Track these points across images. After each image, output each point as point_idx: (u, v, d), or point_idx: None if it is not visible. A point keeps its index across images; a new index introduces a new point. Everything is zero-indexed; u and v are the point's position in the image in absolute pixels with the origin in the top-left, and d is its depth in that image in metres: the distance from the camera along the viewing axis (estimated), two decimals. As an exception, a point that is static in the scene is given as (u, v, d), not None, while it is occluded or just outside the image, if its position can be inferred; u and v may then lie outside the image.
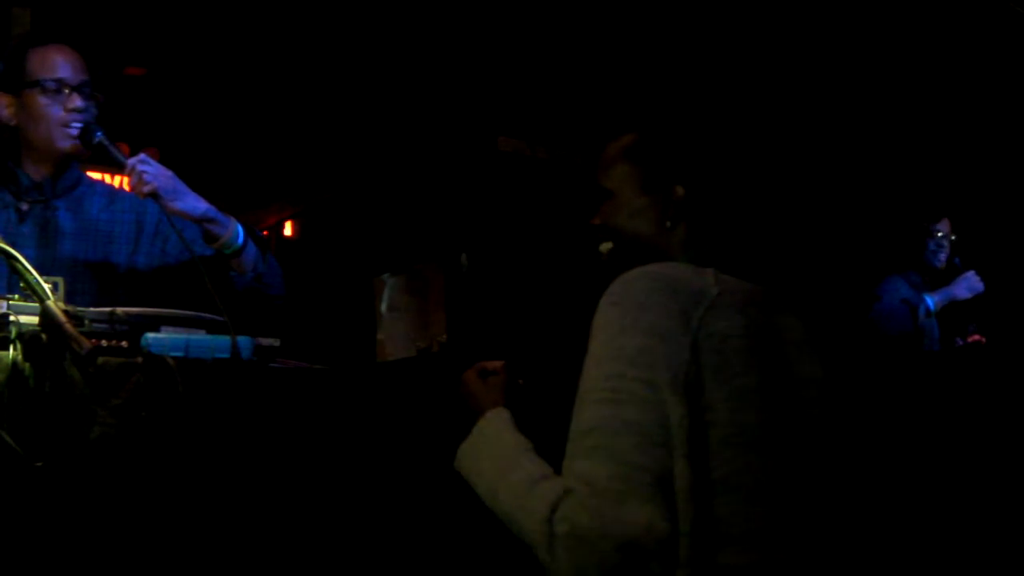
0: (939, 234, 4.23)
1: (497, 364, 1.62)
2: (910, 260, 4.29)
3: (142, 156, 2.42)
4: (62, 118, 2.51)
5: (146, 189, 2.36)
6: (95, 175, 5.84)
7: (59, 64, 2.54)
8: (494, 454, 1.41)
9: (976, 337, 4.17)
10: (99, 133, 2.49)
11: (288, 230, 6.58)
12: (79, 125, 2.50)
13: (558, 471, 1.30)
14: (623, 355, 1.22)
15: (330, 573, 1.83)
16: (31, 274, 1.69)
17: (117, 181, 5.99)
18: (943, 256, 4.26)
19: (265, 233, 6.40)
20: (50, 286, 1.71)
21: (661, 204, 1.45)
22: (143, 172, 2.38)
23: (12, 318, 1.65)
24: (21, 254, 1.73)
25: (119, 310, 1.82)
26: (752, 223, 1.55)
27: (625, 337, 1.23)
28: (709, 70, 4.57)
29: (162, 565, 1.65)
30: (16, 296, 1.71)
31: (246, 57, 5.09)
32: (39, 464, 1.55)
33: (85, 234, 2.60)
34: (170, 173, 2.43)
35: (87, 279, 2.53)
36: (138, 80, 5.43)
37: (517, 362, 1.61)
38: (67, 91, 2.51)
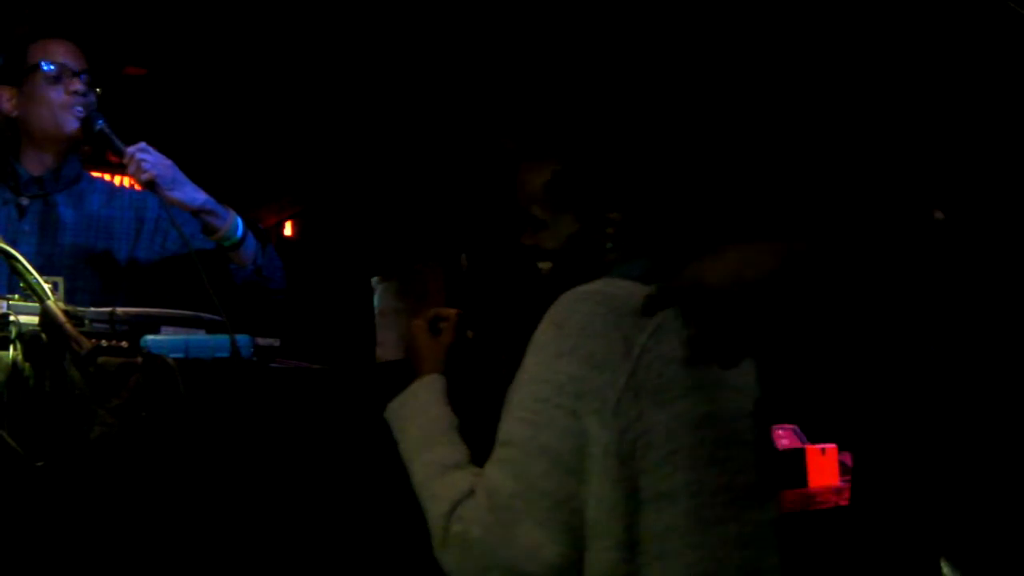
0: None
1: (450, 312, 1.63)
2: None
3: (142, 144, 2.43)
4: (65, 101, 2.53)
5: (144, 177, 2.37)
6: (95, 174, 5.87)
7: (59, 51, 2.57)
8: (420, 423, 1.46)
9: None
10: (100, 121, 2.51)
11: (288, 230, 6.58)
12: (81, 110, 2.53)
13: (481, 443, 1.37)
14: (554, 380, 1.27)
15: (330, 572, 1.83)
16: (31, 274, 1.69)
17: (117, 181, 6.03)
18: None
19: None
20: (50, 286, 1.71)
21: (598, 230, 1.47)
22: (142, 160, 2.39)
23: (12, 318, 1.65)
24: (22, 250, 1.73)
25: (119, 310, 1.82)
26: (718, 221, 1.58)
27: (560, 362, 1.27)
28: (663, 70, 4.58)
29: (162, 565, 1.65)
30: (16, 296, 1.72)
31: (246, 57, 5.09)
32: (39, 464, 1.55)
33: (86, 228, 2.61)
34: (169, 162, 2.44)
35: (88, 273, 2.54)
36: (138, 80, 5.43)
37: (470, 315, 1.62)
38: (68, 76, 2.53)
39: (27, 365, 1.61)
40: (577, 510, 1.25)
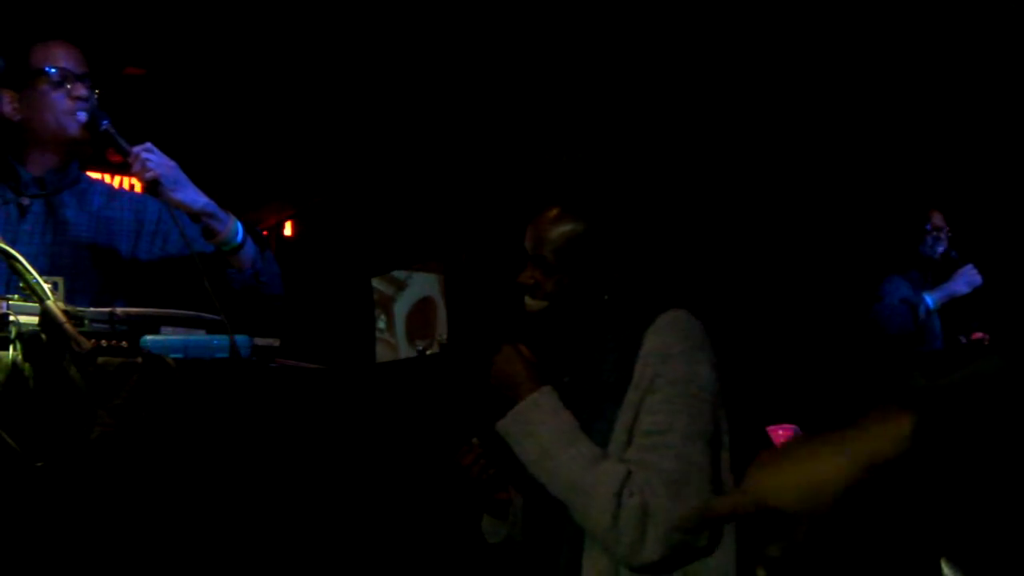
0: (935, 226, 4.23)
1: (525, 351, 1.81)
2: (908, 256, 4.28)
3: (147, 144, 2.44)
4: (69, 106, 2.54)
5: (148, 176, 2.38)
6: (95, 175, 5.87)
7: (62, 55, 2.57)
8: (552, 426, 1.64)
9: (979, 335, 4.15)
10: (105, 121, 2.52)
11: (288, 230, 6.58)
12: (84, 114, 2.53)
13: None
14: (699, 379, 1.60)
15: (330, 571, 1.83)
16: (31, 274, 1.69)
17: (117, 182, 6.03)
18: (940, 248, 4.25)
19: (265, 233, 6.40)
20: (50, 286, 1.71)
21: (602, 280, 1.73)
22: (147, 160, 2.40)
23: (12, 318, 1.65)
24: (23, 250, 1.73)
25: (119, 310, 1.82)
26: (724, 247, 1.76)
27: (699, 366, 1.61)
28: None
29: (162, 564, 1.65)
30: (16, 296, 1.72)
31: (246, 57, 5.09)
32: (39, 464, 1.55)
33: (87, 227, 2.61)
34: (173, 163, 2.44)
35: (90, 272, 2.54)
36: (138, 80, 5.43)
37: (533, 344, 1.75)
38: (71, 81, 2.54)
39: (27, 365, 1.61)
40: (718, 479, 1.60)
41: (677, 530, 1.54)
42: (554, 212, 1.74)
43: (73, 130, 2.56)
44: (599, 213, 1.72)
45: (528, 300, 1.75)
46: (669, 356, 1.62)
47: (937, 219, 4.27)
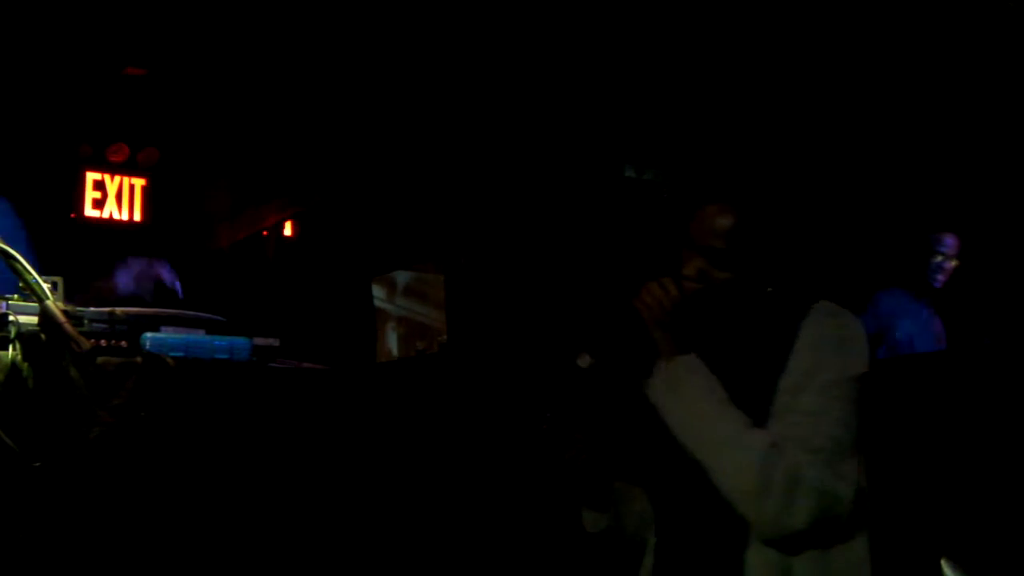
0: (944, 249, 3.99)
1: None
2: (907, 274, 4.07)
3: None
4: None
5: None
6: (95, 175, 5.86)
7: None
8: (705, 388, 1.70)
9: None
10: None
11: (288, 230, 6.57)
12: None
13: None
14: (855, 369, 1.68)
15: (330, 570, 1.83)
16: (31, 274, 1.69)
17: (116, 181, 6.03)
18: (941, 278, 4.03)
19: (265, 233, 6.40)
20: (49, 286, 1.71)
21: (765, 270, 1.80)
22: None
23: (12, 318, 1.65)
24: None
25: (118, 310, 1.82)
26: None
27: (851, 356, 1.69)
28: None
29: (162, 564, 1.65)
30: (16, 296, 1.71)
31: (246, 57, 5.08)
32: (38, 463, 1.55)
33: None
34: None
35: None
36: (138, 80, 5.43)
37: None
38: None
39: (26, 365, 1.61)
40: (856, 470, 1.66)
41: (825, 501, 1.57)
42: (716, 206, 1.79)
43: None
44: (759, 204, 1.80)
45: (581, 360, 1.81)
46: (828, 347, 1.69)
47: (950, 242, 4.01)
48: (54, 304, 1.65)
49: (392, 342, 6.80)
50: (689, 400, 1.70)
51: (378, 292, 6.65)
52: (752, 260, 1.77)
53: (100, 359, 1.64)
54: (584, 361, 1.75)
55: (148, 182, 5.84)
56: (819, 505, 1.57)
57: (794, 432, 1.62)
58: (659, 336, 1.74)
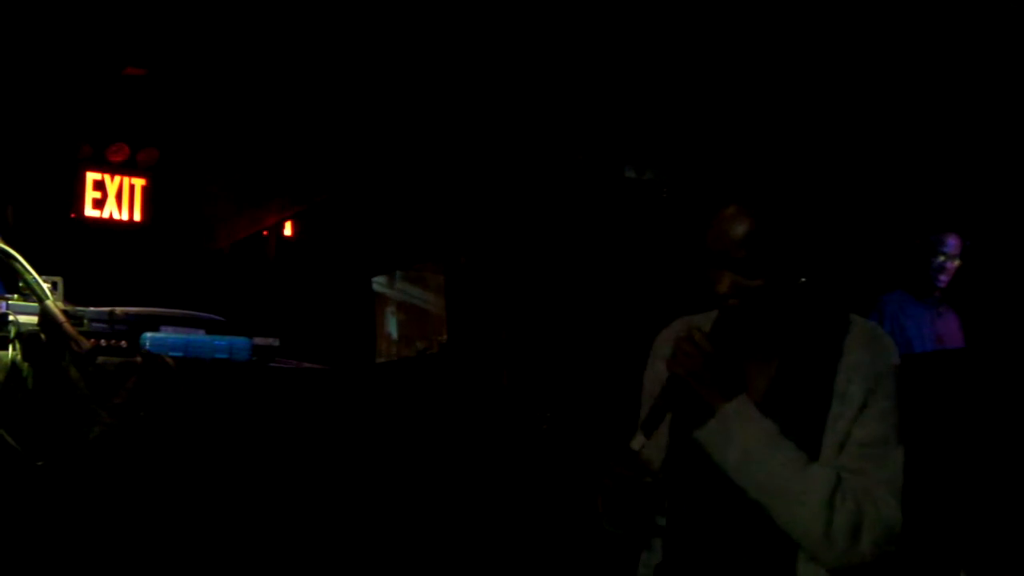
0: (946, 250, 3.96)
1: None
2: (908, 275, 4.06)
3: None
4: None
5: None
6: (95, 175, 5.86)
7: None
8: (757, 432, 1.69)
9: None
10: None
11: (288, 230, 6.58)
12: None
13: None
14: (900, 394, 1.71)
15: (330, 570, 1.83)
16: (30, 274, 1.69)
17: (116, 181, 6.03)
18: (944, 278, 4.01)
19: (265, 233, 6.40)
20: (49, 286, 1.71)
21: (794, 278, 1.77)
22: None
23: (12, 318, 1.65)
24: None
25: (118, 310, 1.82)
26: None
27: (900, 380, 1.72)
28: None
29: (162, 564, 1.65)
30: (16, 296, 1.71)
31: (246, 57, 5.08)
32: (39, 463, 1.55)
33: None
34: None
35: None
36: (138, 80, 5.43)
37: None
38: None
39: (26, 365, 1.61)
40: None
41: (889, 532, 1.61)
42: (731, 211, 1.73)
43: None
44: (774, 204, 1.75)
45: (730, 299, 1.75)
46: (881, 373, 1.72)
47: (952, 242, 3.98)
48: (54, 304, 1.65)
49: (392, 327, 6.81)
50: (744, 447, 1.69)
51: (378, 278, 6.67)
52: (779, 260, 1.73)
53: (100, 359, 1.64)
54: (638, 443, 1.70)
55: (148, 182, 5.85)
56: (884, 536, 1.61)
57: (858, 465, 1.65)
58: (704, 391, 1.72)
